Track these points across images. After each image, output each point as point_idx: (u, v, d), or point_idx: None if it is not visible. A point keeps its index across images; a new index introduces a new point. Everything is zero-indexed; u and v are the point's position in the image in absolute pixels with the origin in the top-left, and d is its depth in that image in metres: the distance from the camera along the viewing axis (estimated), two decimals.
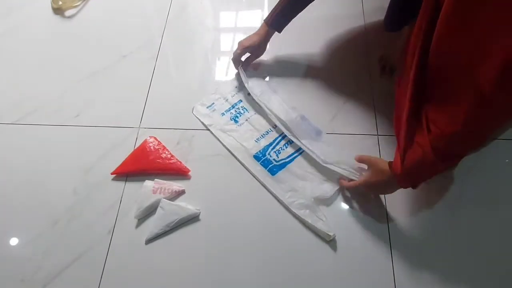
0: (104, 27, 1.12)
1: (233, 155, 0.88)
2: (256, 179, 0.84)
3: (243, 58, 0.96)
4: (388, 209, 0.80)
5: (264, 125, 0.91)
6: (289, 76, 0.99)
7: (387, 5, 0.93)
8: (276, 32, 0.92)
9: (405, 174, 0.65)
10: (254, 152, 0.87)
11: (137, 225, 0.81)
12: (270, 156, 0.87)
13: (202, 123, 0.93)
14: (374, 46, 1.02)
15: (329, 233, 0.75)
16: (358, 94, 0.95)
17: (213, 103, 0.95)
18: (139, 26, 1.12)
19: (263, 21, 0.92)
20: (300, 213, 0.79)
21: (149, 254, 0.78)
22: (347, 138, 0.89)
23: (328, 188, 0.82)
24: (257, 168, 0.85)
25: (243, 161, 0.86)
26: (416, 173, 0.65)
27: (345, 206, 0.82)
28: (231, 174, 0.86)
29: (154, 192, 0.82)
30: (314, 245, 0.77)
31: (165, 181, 0.84)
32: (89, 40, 1.09)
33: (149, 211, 0.81)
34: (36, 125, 0.95)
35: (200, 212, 0.81)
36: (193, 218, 0.81)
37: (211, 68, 1.03)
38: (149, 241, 0.79)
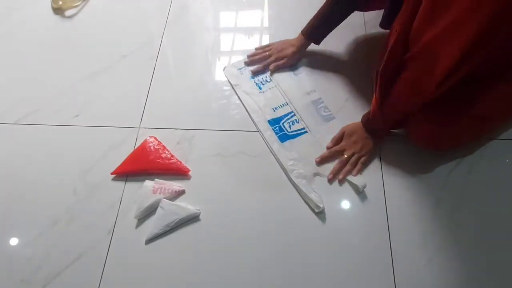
0: (104, 27, 1.12)
1: (250, 116, 0.93)
2: (265, 143, 0.89)
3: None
4: (388, 209, 0.80)
5: (282, 97, 0.96)
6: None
7: None
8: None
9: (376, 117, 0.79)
10: (269, 117, 0.92)
11: (137, 225, 0.81)
12: (284, 126, 0.91)
13: (229, 82, 0.98)
14: (373, 46, 1.02)
15: (319, 204, 0.78)
16: (359, 93, 0.95)
17: (244, 67, 1.01)
18: (139, 26, 1.12)
19: (300, 33, 0.95)
20: (297, 181, 0.82)
21: (149, 254, 0.78)
22: None
23: (329, 169, 0.85)
24: (268, 133, 0.89)
25: (257, 124, 0.91)
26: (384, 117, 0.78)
27: (344, 196, 0.82)
28: (231, 174, 0.86)
29: (154, 192, 0.82)
30: (316, 243, 0.77)
31: (165, 181, 0.84)
32: (89, 40, 1.10)
33: (149, 211, 0.81)
34: (36, 125, 0.95)
35: (200, 212, 0.81)
36: (193, 218, 0.81)
37: (211, 68, 1.03)
38: (149, 241, 0.79)
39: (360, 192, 0.82)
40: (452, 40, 0.58)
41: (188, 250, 0.78)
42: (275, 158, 0.87)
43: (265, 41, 1.07)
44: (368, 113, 0.83)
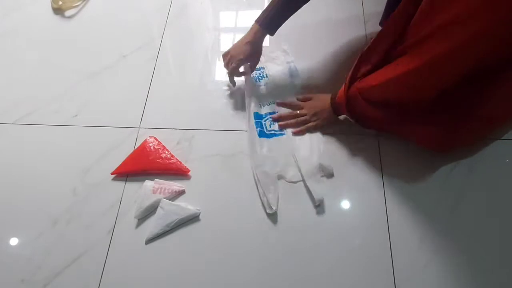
0: (104, 27, 1.12)
1: (244, 97, 0.95)
2: (247, 128, 0.90)
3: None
4: (388, 208, 0.80)
5: (270, 96, 0.97)
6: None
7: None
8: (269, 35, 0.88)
9: (345, 101, 0.80)
10: (254, 110, 0.93)
11: (137, 225, 0.81)
12: (264, 123, 0.92)
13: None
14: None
15: (273, 207, 0.79)
16: None
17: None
18: (139, 26, 1.12)
19: (254, 22, 0.86)
20: (259, 177, 0.82)
21: (149, 254, 0.78)
22: (347, 138, 0.89)
23: (295, 177, 0.84)
24: (251, 123, 0.91)
25: (247, 108, 0.93)
26: (352, 104, 0.80)
27: (342, 194, 0.82)
28: (231, 174, 0.86)
29: (154, 192, 0.82)
30: (317, 243, 0.77)
31: (165, 181, 0.84)
32: (89, 40, 1.10)
33: (149, 211, 0.81)
34: (36, 125, 0.95)
35: (200, 212, 0.81)
36: (193, 218, 0.81)
37: (211, 68, 1.03)
38: (149, 241, 0.79)
39: (316, 206, 0.80)
40: (446, 40, 0.59)
41: (188, 250, 0.78)
42: (248, 148, 0.88)
43: (265, 41, 1.06)
44: (335, 92, 0.85)
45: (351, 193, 0.83)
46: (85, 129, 0.94)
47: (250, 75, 0.96)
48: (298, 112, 0.91)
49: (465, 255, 0.75)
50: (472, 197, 0.81)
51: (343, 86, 0.81)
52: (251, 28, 0.87)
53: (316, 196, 0.80)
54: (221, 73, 1.02)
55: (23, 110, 0.97)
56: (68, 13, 1.15)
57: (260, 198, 0.82)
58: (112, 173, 0.86)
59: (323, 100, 0.89)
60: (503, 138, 0.87)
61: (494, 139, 0.87)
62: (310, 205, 0.81)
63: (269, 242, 0.78)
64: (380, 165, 0.85)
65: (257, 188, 0.83)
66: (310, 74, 1.00)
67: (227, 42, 1.08)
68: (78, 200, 0.84)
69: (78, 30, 1.12)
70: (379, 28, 0.95)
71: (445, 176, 0.83)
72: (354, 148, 0.88)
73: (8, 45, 1.10)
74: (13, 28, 1.13)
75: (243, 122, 0.92)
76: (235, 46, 0.89)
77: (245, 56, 0.88)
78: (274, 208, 0.79)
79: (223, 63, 0.92)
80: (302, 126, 0.89)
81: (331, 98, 0.87)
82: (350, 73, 0.79)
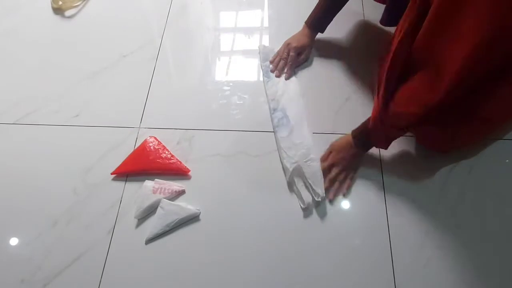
0: (104, 27, 1.12)
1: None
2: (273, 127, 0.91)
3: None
4: (388, 208, 0.80)
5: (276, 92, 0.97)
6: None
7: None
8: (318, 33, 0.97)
9: (371, 130, 0.76)
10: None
11: (137, 225, 0.81)
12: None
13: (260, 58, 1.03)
14: (373, 43, 1.02)
15: (320, 194, 0.79)
16: (359, 92, 0.95)
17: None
18: (139, 26, 1.12)
19: (304, 25, 0.96)
20: (305, 170, 0.82)
21: (149, 254, 0.78)
22: None
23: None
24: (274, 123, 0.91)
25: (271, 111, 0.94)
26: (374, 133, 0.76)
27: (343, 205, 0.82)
28: (231, 174, 0.86)
29: (154, 192, 0.82)
30: (317, 243, 0.78)
31: (165, 181, 0.84)
32: (89, 40, 1.10)
33: (149, 211, 0.81)
34: (36, 125, 0.95)
35: (200, 212, 0.81)
36: (193, 218, 0.81)
37: (211, 68, 1.03)
38: (149, 241, 0.79)
39: (303, 208, 0.80)
40: (454, 53, 0.57)
41: (188, 250, 0.78)
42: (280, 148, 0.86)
43: (265, 41, 1.07)
44: (360, 127, 0.80)
45: (351, 193, 0.83)
46: (85, 129, 0.94)
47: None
48: (333, 173, 0.83)
49: (465, 255, 0.75)
50: (472, 197, 0.81)
51: (376, 111, 0.73)
52: (303, 28, 0.98)
53: (303, 201, 0.80)
54: (221, 73, 1.02)
55: (23, 110, 0.97)
56: (68, 13, 1.15)
57: (296, 193, 0.82)
58: (112, 173, 0.86)
59: (344, 147, 0.83)
60: (502, 138, 0.87)
61: (494, 139, 0.87)
62: (309, 205, 0.81)
63: (269, 242, 0.78)
64: (380, 165, 0.86)
65: (295, 185, 0.82)
66: (309, 71, 1.00)
67: (227, 42, 1.08)
68: (78, 200, 0.84)
69: (78, 30, 1.12)
70: (379, 27, 0.94)
71: (445, 176, 0.83)
72: None
73: (8, 45, 1.10)
74: (13, 28, 1.13)
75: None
76: (294, 38, 0.98)
77: (304, 46, 0.97)
78: (322, 194, 0.79)
79: (280, 56, 0.99)
80: (348, 181, 0.83)
81: (352, 133, 0.81)
82: (380, 97, 0.71)
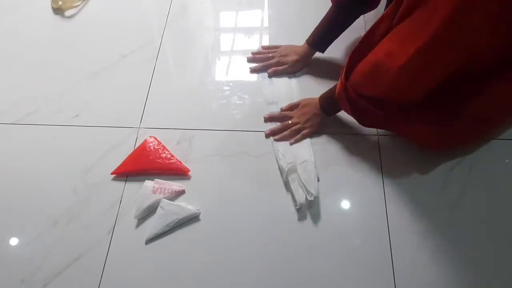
0: (104, 27, 1.12)
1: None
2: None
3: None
4: (388, 209, 0.80)
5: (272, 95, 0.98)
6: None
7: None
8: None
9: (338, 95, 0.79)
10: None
11: (137, 225, 0.81)
12: None
13: None
14: None
15: (313, 193, 0.79)
16: None
17: None
18: (139, 26, 1.12)
19: (305, 42, 0.95)
20: (300, 171, 0.82)
21: (149, 254, 0.78)
22: (347, 138, 0.89)
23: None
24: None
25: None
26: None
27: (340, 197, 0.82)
28: (231, 174, 0.86)
29: (154, 192, 0.82)
30: (317, 243, 0.77)
31: (165, 181, 0.84)
32: (89, 40, 1.10)
33: (149, 211, 0.81)
34: (36, 125, 0.95)
35: (200, 212, 0.81)
36: (193, 218, 0.81)
37: (211, 68, 1.03)
38: (149, 241, 0.79)
39: (296, 207, 0.80)
40: (423, 27, 0.59)
41: (188, 250, 0.78)
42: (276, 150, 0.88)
43: (265, 41, 1.07)
44: (328, 91, 0.85)
45: (351, 193, 0.83)
46: (85, 129, 0.94)
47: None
48: (290, 122, 0.89)
49: (465, 254, 0.75)
50: (472, 197, 0.81)
51: (339, 81, 0.79)
52: (303, 45, 0.96)
53: (298, 199, 0.80)
54: (221, 73, 1.02)
55: (23, 110, 0.97)
56: (68, 13, 1.16)
57: (290, 192, 0.82)
58: (112, 173, 0.86)
59: (311, 104, 0.89)
60: (502, 138, 0.87)
61: (490, 139, 0.87)
62: (309, 205, 0.81)
63: (269, 242, 0.78)
64: (380, 165, 0.86)
65: (289, 185, 0.82)
66: (308, 75, 1.00)
67: (227, 42, 1.08)
68: (78, 200, 0.84)
69: (78, 30, 1.12)
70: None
71: (445, 176, 0.83)
72: (354, 148, 0.88)
73: (8, 45, 1.10)
74: (13, 28, 1.13)
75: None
76: (287, 47, 0.97)
77: (288, 62, 0.97)
78: (315, 194, 0.79)
79: (263, 55, 0.99)
80: (297, 135, 0.88)
81: (320, 100, 0.87)
82: (345, 67, 0.76)
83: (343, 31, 0.91)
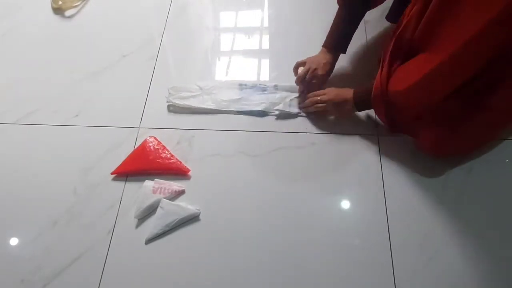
0: (104, 27, 1.12)
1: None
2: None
3: None
4: (388, 209, 0.80)
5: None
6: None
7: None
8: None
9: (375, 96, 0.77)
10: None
11: (137, 225, 0.81)
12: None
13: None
14: (374, 47, 1.02)
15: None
16: None
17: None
18: (139, 26, 1.12)
19: (323, 48, 0.90)
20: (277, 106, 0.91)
21: (149, 254, 0.78)
22: (347, 138, 0.89)
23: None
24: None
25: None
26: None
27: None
28: (231, 174, 0.86)
29: (154, 192, 0.82)
30: (317, 243, 0.78)
31: (165, 181, 0.84)
32: (89, 40, 1.10)
33: (149, 211, 0.81)
34: (36, 125, 0.95)
35: (200, 212, 0.81)
36: (193, 218, 0.81)
37: (211, 68, 1.03)
38: (149, 241, 0.79)
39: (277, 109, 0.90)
40: (450, 38, 0.60)
41: (188, 250, 0.78)
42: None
43: (265, 41, 1.07)
44: (365, 89, 0.80)
45: (351, 193, 0.83)
46: (85, 129, 0.94)
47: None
48: (319, 98, 0.88)
49: (465, 254, 0.75)
50: (472, 197, 0.81)
51: (376, 83, 0.76)
52: (322, 52, 0.90)
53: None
54: (221, 73, 1.02)
55: (23, 110, 0.97)
56: (68, 13, 1.16)
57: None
58: (112, 173, 0.86)
59: (341, 94, 0.85)
60: (502, 138, 0.87)
61: (493, 142, 0.87)
62: (310, 205, 0.81)
63: (269, 242, 0.78)
64: (380, 165, 0.85)
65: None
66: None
67: (227, 42, 1.08)
68: (78, 200, 0.84)
69: (78, 30, 1.12)
70: (379, 28, 0.94)
71: (445, 176, 0.83)
72: (354, 148, 0.88)
73: (8, 45, 1.10)
74: (13, 28, 1.13)
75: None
76: (316, 61, 0.90)
77: (324, 74, 0.90)
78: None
79: (298, 70, 0.92)
80: (314, 108, 0.89)
81: (354, 93, 0.83)
82: (384, 69, 0.74)
83: (357, 27, 0.89)
